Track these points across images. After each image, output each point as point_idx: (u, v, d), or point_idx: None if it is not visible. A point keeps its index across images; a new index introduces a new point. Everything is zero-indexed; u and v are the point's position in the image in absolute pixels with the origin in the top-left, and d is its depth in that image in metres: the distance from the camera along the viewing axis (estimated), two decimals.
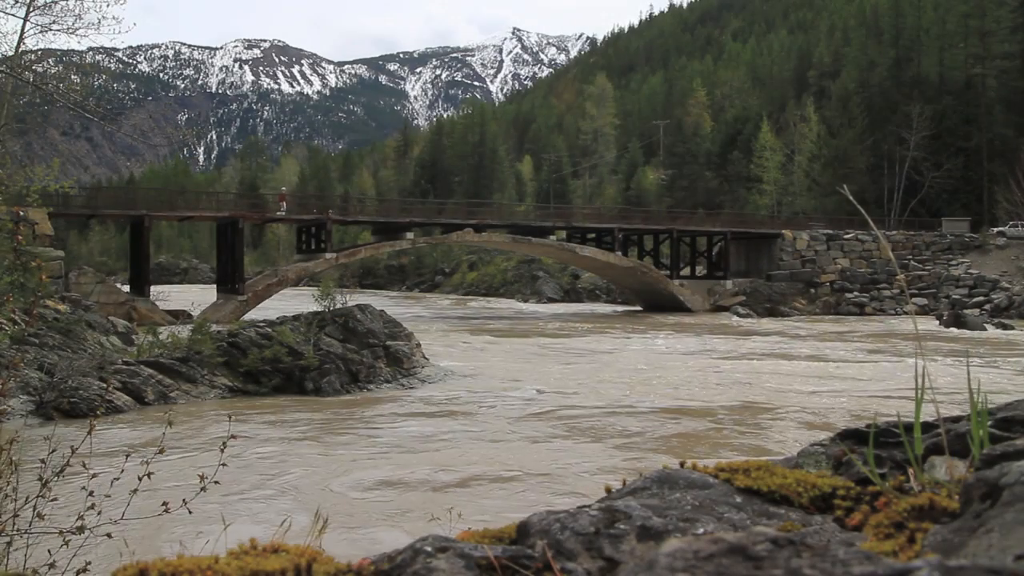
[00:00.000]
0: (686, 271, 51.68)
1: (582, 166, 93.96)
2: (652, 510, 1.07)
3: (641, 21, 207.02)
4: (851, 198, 1.64)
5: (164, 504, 3.54)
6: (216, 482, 3.63)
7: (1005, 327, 34.76)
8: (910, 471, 1.23)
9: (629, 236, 51.31)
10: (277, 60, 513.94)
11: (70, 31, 20.30)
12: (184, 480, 9.39)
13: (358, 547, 7.23)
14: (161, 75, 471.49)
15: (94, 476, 3.48)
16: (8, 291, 11.87)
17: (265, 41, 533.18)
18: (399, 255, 78.24)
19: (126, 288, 39.94)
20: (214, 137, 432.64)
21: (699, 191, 78.51)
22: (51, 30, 20.70)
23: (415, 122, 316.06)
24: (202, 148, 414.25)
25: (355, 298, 23.50)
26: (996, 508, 0.90)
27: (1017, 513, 0.85)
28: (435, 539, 0.97)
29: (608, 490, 1.27)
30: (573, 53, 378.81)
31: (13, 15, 23.71)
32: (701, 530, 1.05)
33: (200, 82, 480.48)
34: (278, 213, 43.71)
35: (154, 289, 39.04)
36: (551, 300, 58.36)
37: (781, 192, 67.78)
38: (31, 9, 20.53)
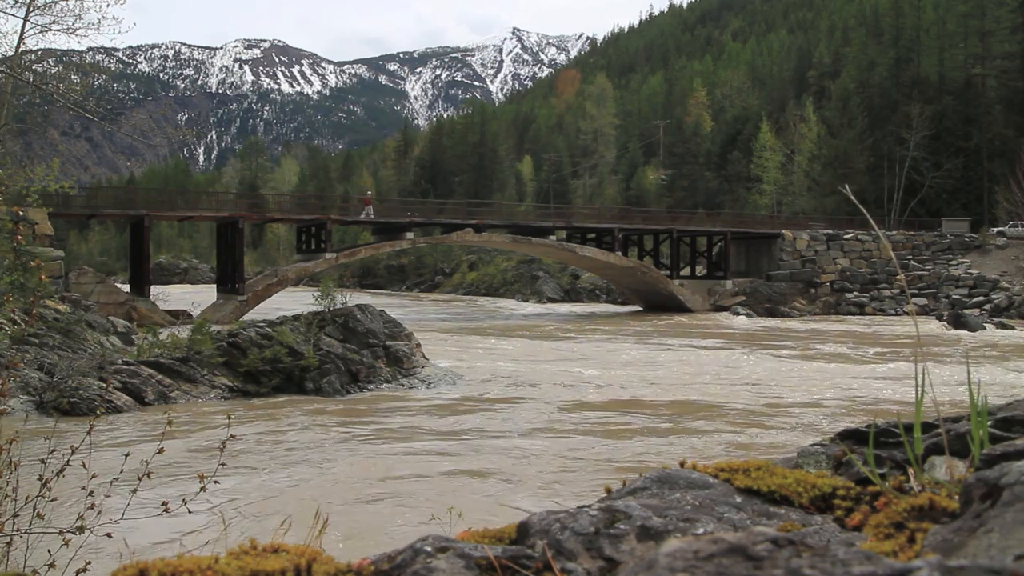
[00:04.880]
0: (686, 271, 51.69)
1: (582, 166, 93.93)
2: (652, 510, 1.07)
3: (641, 21, 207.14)
4: (852, 198, 1.64)
5: (164, 504, 3.54)
6: (216, 482, 3.64)
7: (1005, 327, 34.77)
8: (910, 471, 1.23)
9: (629, 236, 51.31)
10: (277, 60, 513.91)
11: (70, 31, 20.30)
12: (184, 480, 9.39)
13: (358, 547, 7.23)
14: (161, 75, 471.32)
15: (94, 476, 3.48)
16: (8, 291, 11.86)
17: (265, 41, 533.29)
18: (399, 255, 78.22)
19: (126, 288, 39.95)
20: (214, 137, 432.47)
21: (699, 191, 78.51)
22: (51, 30, 20.70)
23: (415, 122, 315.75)
24: (202, 148, 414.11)
25: (355, 298, 23.49)
26: (996, 508, 0.90)
27: (1017, 513, 0.85)
28: (435, 539, 0.97)
29: (608, 490, 1.27)
30: (573, 53, 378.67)
31: (13, 15, 23.71)
32: (701, 530, 1.05)
33: (200, 82, 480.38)
34: (362, 216, 43.91)
35: (154, 289, 39.04)
36: (551, 300, 58.35)
37: (781, 192, 67.79)
38: (31, 9, 20.53)
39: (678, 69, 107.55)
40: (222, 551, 1.06)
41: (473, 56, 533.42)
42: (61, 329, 18.73)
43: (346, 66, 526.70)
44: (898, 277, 48.82)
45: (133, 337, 24.01)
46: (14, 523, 3.40)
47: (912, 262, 48.12)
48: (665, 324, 38.45)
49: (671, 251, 50.26)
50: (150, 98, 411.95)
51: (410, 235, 44.82)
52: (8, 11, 20.79)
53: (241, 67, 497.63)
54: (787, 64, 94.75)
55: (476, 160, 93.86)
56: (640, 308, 50.04)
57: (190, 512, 3.70)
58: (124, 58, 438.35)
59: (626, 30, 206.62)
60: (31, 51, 21.99)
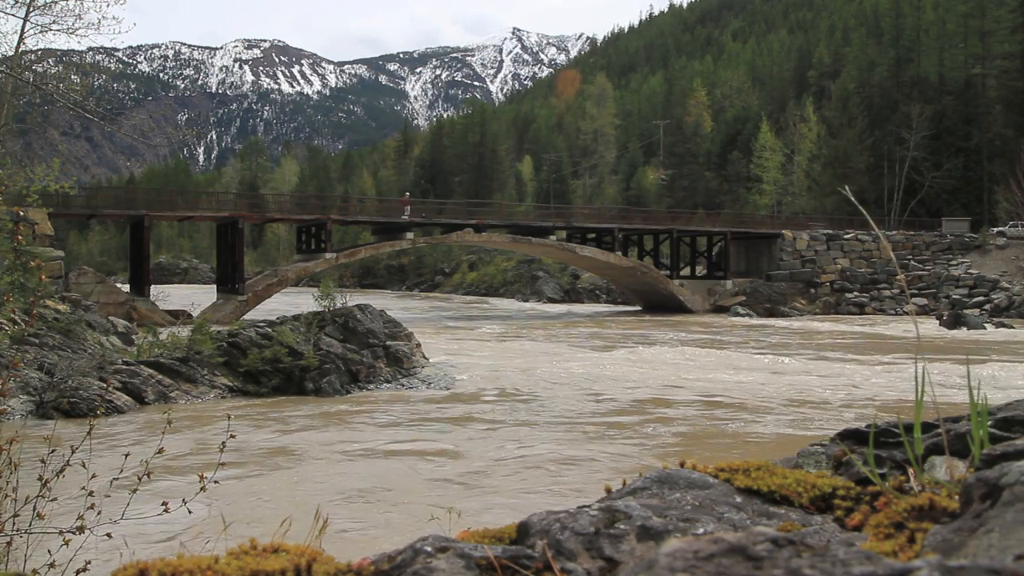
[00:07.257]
0: (686, 271, 51.72)
1: (582, 166, 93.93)
2: (652, 510, 1.06)
3: (641, 21, 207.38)
4: (852, 198, 1.64)
5: (164, 504, 3.53)
6: (216, 482, 3.63)
7: (1005, 327, 34.79)
8: (910, 471, 1.23)
9: (629, 236, 51.32)
10: (277, 60, 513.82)
11: (70, 31, 20.28)
12: (184, 480, 9.39)
13: (358, 547, 7.23)
14: (161, 75, 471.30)
15: (94, 476, 3.48)
16: (8, 291, 11.86)
17: (265, 41, 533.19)
18: (399, 255, 78.23)
19: (126, 288, 39.95)
20: (214, 137, 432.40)
21: (699, 191, 78.52)
22: (51, 30, 20.68)
23: (415, 122, 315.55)
24: (202, 148, 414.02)
25: (355, 298, 23.49)
26: (996, 508, 0.90)
27: (1017, 513, 0.85)
28: (435, 539, 0.97)
29: (608, 490, 1.27)
30: (573, 53, 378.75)
31: (13, 15, 23.66)
32: (701, 530, 1.05)
33: (200, 82, 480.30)
34: (402, 217, 44.01)
35: (154, 289, 39.03)
36: (551, 300, 58.36)
37: (781, 192, 67.80)
38: (31, 9, 20.51)
39: (678, 69, 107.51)
40: (222, 551, 1.06)
41: (473, 56, 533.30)
42: (61, 329, 18.72)
43: (346, 66, 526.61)
44: (898, 277, 48.83)
45: (133, 337, 24.00)
46: (14, 523, 3.40)
47: (912, 262, 48.12)
48: (665, 324, 38.45)
49: (671, 251, 50.28)
50: (150, 98, 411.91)
51: (410, 235, 44.84)
52: (8, 11, 20.78)
53: (241, 67, 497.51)
54: (787, 64, 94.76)
55: (476, 160, 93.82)
56: (640, 308, 50.05)
57: (190, 512, 3.69)
58: (124, 58, 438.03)
59: (626, 30, 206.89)
60: (31, 51, 21.97)
